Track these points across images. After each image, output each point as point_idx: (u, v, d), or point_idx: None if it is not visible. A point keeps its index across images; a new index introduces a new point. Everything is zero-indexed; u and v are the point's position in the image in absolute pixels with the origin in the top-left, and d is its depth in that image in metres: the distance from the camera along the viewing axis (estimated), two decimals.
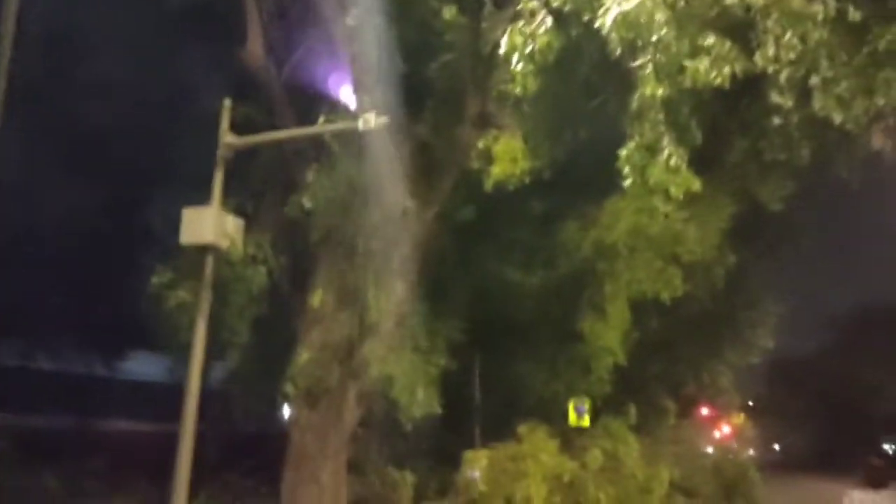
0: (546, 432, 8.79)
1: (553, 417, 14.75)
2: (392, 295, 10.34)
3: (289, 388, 10.03)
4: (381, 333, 10.35)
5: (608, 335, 15.43)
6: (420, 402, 10.07)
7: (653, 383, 21.23)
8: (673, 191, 7.18)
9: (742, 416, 41.31)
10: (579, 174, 13.80)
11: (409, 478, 11.26)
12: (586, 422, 16.06)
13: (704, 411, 33.03)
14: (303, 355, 9.90)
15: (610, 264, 15.06)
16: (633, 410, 15.13)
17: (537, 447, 8.29)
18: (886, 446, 46.00)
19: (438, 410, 10.50)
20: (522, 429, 8.86)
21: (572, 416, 16.46)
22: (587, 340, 15.38)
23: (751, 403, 44.50)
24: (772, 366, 45.86)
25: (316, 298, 10.21)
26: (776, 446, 50.23)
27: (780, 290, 20.88)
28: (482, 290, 14.31)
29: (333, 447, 10.53)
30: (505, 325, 15.04)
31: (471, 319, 13.95)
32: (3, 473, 10.23)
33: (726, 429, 38.41)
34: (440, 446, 13.44)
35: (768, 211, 15.77)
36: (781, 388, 50.29)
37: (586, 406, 16.58)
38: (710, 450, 22.59)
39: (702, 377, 22.69)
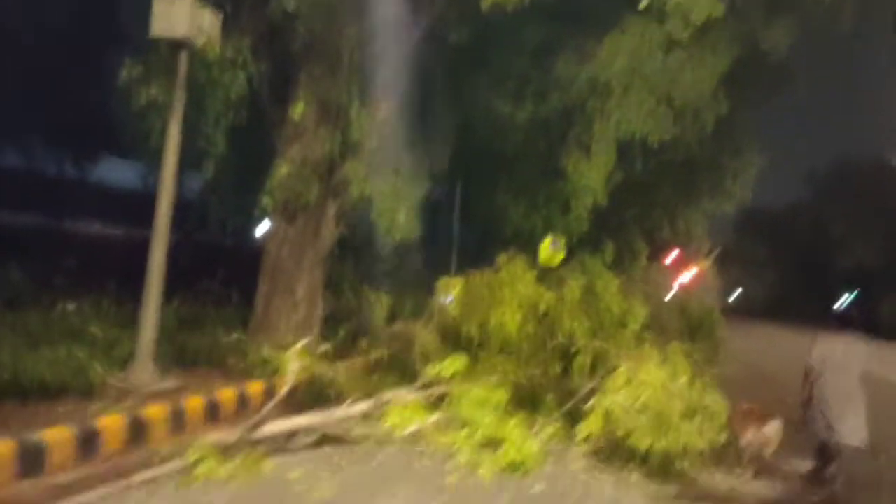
0: (525, 263, 8.65)
1: (529, 251, 14.90)
2: (376, 113, 9.92)
3: (266, 201, 9.83)
4: (363, 153, 10.05)
5: (592, 174, 15.26)
6: (400, 226, 9.93)
7: (629, 226, 21.48)
8: (694, 16, 6.86)
9: (707, 263, 42.28)
10: (582, 3, 13.07)
11: (384, 298, 11.41)
12: (560, 257, 16.27)
13: (672, 256, 33.82)
14: (282, 168, 9.62)
15: (602, 102, 14.61)
16: (610, 248, 15.29)
17: (515, 276, 8.17)
18: (843, 297, 47.86)
19: (418, 235, 10.42)
20: (502, 257, 8.70)
21: (545, 252, 16.65)
22: (570, 178, 15.23)
23: (717, 252, 45.56)
24: (743, 217, 46.79)
25: (297, 111, 9.76)
26: (737, 293, 52.08)
27: (764, 141, 20.58)
28: (469, 120, 13.88)
29: (309, 262, 10.56)
30: (489, 156, 14.77)
31: (455, 148, 13.64)
32: None
33: (691, 274, 39.40)
34: (417, 272, 13.56)
35: (767, 59, 15.33)
36: (749, 239, 51.56)
37: (561, 243, 16.75)
38: (673, 292, 23.21)
39: (677, 223, 22.86)
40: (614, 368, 6.79)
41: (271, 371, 8.24)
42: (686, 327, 13.54)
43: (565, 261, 16.08)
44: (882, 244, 43.66)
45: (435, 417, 6.77)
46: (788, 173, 57.37)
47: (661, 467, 6.55)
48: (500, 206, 15.20)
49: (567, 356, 7.68)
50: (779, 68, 17.15)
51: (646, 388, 6.10)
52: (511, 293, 7.86)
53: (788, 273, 53.21)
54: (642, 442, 6.33)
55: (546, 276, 10.02)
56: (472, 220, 14.77)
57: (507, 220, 15.25)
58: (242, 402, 8.18)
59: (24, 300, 9.27)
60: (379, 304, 11.17)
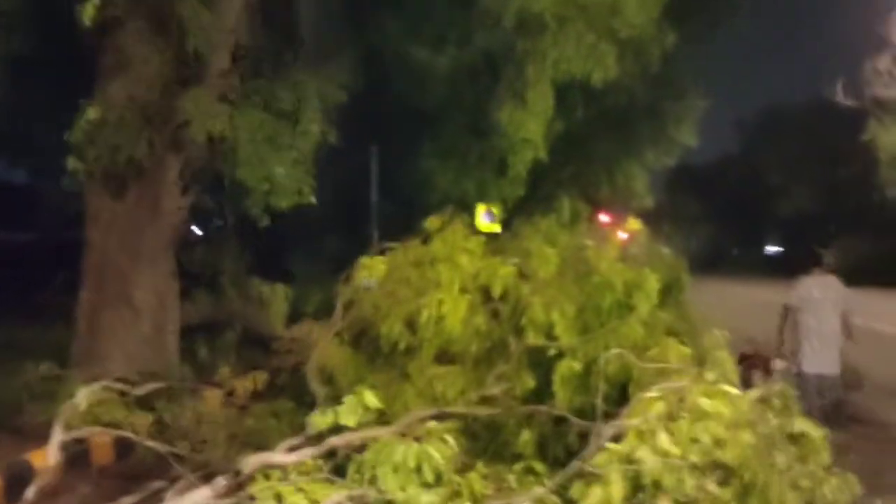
0: (465, 227, 5.77)
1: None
2: (223, 17, 7.26)
3: (73, 164, 6.73)
4: (210, 76, 7.31)
5: (530, 125, 13.22)
6: (282, 187, 7.34)
7: (567, 185, 19.57)
8: None
9: (638, 221, 41.03)
10: None
11: (281, 291, 8.86)
12: (497, 227, 14.23)
13: (604, 217, 32.32)
14: (91, 113, 6.56)
15: (534, 41, 12.64)
16: (565, 205, 13.37)
17: (454, 246, 5.37)
18: (771, 248, 47.70)
19: (312, 201, 7.78)
20: (432, 221, 5.80)
21: (478, 220, 14.60)
22: (505, 132, 13.16)
23: (648, 209, 44.63)
24: (674, 171, 45.73)
25: (121, 36, 7.07)
26: (667, 251, 51.59)
27: (704, 83, 18.94)
28: (381, 71, 11.62)
29: (150, 252, 7.73)
30: (408, 114, 12.53)
31: (367, 105, 11.35)
32: None
33: (623, 235, 38.12)
34: (331, 255, 11.25)
35: None
36: (681, 194, 50.68)
37: (496, 212, 14.74)
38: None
39: (616, 179, 21.04)
40: (638, 384, 4.29)
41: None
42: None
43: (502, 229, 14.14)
44: (822, 189, 43.10)
45: (335, 497, 3.84)
46: (719, 123, 56.76)
47: None
48: (424, 171, 12.97)
49: (544, 363, 4.87)
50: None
51: (707, 421, 3.47)
52: (450, 271, 5.22)
53: (724, 226, 52.75)
54: None
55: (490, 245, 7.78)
56: (394, 189, 12.51)
57: (434, 187, 13.06)
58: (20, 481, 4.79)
59: None
60: (275, 299, 8.63)
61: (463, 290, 5.21)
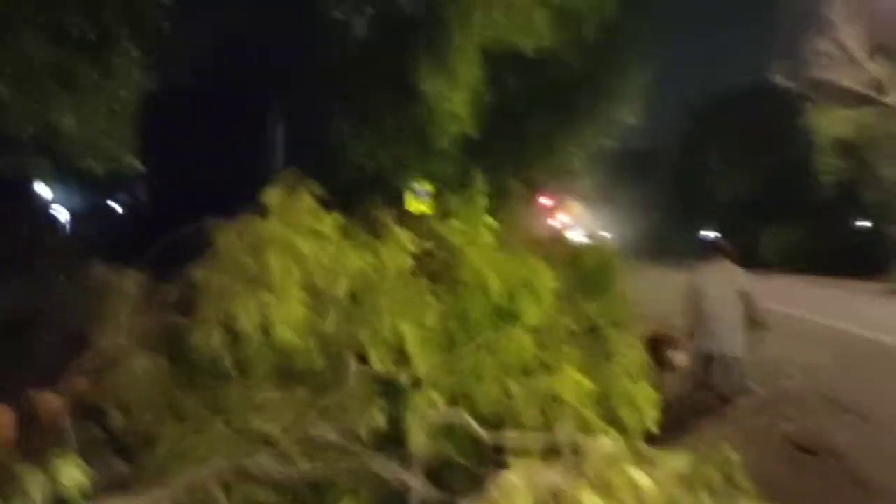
0: (310, 195, 3.70)
1: (379, 198, 11.55)
2: None
3: None
4: None
5: (454, 96, 12.02)
6: (88, 145, 5.64)
7: (500, 163, 18.40)
8: None
9: (578, 204, 40.45)
10: None
11: (132, 279, 7.31)
12: (427, 207, 13.03)
13: (544, 200, 31.36)
14: None
15: (460, 2, 11.45)
16: (480, 187, 12.20)
17: (297, 224, 3.43)
18: (708, 234, 47.64)
19: (135, 166, 6.27)
20: (271, 193, 3.73)
21: (407, 198, 13.37)
22: (426, 101, 11.93)
23: (590, 193, 44.13)
24: (616, 154, 45.11)
25: None
26: (607, 235, 51.30)
27: (647, 60, 17.92)
28: (281, 19, 10.22)
29: None
30: (317, 70, 11.10)
31: (267, 59, 9.96)
32: None
33: (564, 218, 37.31)
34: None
35: None
36: (622, 178, 50.15)
37: (426, 188, 13.51)
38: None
39: (553, 158, 19.92)
40: (518, 423, 3.02)
41: None
42: (579, 283, 10.60)
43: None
44: (760, 174, 43.00)
45: None
46: (669, 100, 56.29)
47: None
48: (335, 136, 11.57)
49: (391, 388, 3.42)
50: None
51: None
52: (286, 261, 3.55)
53: (665, 211, 52.53)
54: None
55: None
56: (300, 156, 11.08)
57: (345, 156, 11.70)
58: None
59: None
60: (124, 292, 7.16)
61: (302, 286, 3.71)
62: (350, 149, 11.85)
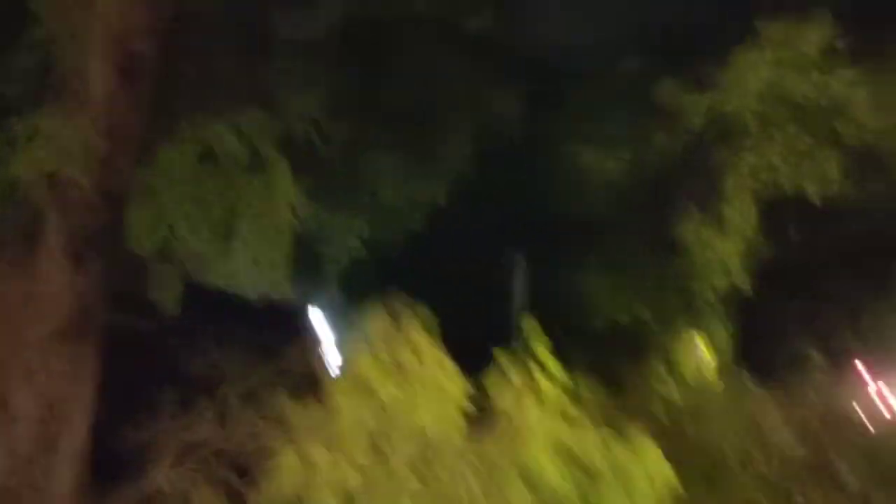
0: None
1: (633, 353, 10.57)
2: None
3: None
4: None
5: (723, 247, 10.96)
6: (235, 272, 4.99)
7: (793, 327, 16.30)
8: None
9: None
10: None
11: None
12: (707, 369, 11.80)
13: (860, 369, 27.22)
14: None
15: (730, 144, 10.59)
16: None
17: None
18: None
19: (287, 295, 5.66)
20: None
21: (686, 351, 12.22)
22: (689, 252, 11.01)
23: None
24: None
25: None
26: None
27: None
28: (528, 169, 10.30)
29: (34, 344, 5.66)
30: (564, 222, 10.91)
31: (515, 213, 10.07)
32: None
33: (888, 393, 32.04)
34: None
35: None
36: None
37: (702, 343, 12.28)
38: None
39: (860, 323, 17.19)
40: None
41: None
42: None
43: None
44: None
45: None
46: None
47: None
48: (585, 290, 11.05)
49: None
50: None
51: None
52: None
53: None
54: None
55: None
56: (542, 307, 10.64)
57: (596, 308, 11.09)
58: None
59: None
60: None
61: None
62: (603, 298, 11.21)
